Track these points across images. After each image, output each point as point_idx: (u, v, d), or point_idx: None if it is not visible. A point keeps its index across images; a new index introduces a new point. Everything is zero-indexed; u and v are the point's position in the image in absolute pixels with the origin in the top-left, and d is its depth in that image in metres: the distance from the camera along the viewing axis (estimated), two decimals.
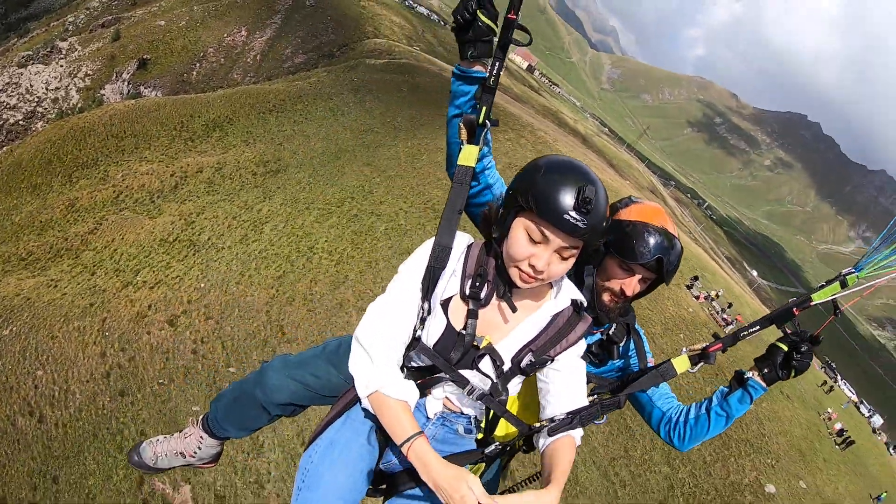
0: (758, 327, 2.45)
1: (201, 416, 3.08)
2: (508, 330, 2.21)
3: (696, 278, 36.58)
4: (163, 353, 18.03)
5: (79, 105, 46.58)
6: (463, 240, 2.23)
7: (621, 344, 2.81)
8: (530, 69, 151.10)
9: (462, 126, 2.28)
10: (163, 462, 3.10)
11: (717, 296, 37.19)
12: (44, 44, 66.63)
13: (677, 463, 21.16)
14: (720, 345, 2.49)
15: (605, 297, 2.64)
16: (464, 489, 1.82)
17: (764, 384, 2.54)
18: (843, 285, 2.44)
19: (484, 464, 2.53)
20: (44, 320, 17.64)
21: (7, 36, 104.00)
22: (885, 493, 30.53)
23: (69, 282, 20.27)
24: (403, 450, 1.97)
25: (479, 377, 2.16)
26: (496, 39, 2.16)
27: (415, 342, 2.21)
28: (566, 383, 2.26)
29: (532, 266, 1.98)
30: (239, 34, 55.50)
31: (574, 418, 2.21)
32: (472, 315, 2.13)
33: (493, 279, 2.16)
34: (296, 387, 2.67)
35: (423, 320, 2.18)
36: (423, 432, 1.99)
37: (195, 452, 3.05)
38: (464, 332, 2.14)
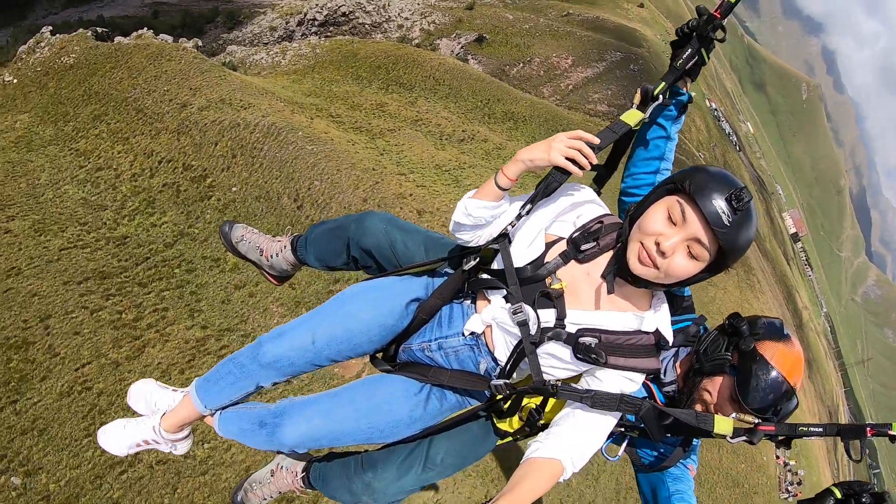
0: (821, 430, 2.12)
1: (296, 234, 3.22)
2: (590, 307, 2.19)
3: (788, 447, 34.69)
4: None
5: (416, 41, 52.40)
6: (600, 206, 2.32)
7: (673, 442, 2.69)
8: (795, 238, 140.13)
9: (638, 92, 2.39)
10: (242, 246, 3.28)
11: (796, 473, 35.49)
12: None
13: None
14: (773, 427, 2.21)
15: (698, 408, 2.51)
16: (563, 135, 2.07)
17: None
18: None
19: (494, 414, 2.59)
20: (336, 155, 21.13)
21: None
22: None
23: (363, 147, 23.98)
24: (500, 181, 2.19)
25: (532, 312, 2.16)
26: (699, 58, 2.33)
27: (503, 238, 2.29)
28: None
29: (657, 244, 1.96)
30: (565, 60, 58.89)
31: (590, 394, 2.14)
32: (563, 256, 2.18)
33: (603, 247, 2.19)
34: (385, 241, 2.72)
35: (520, 216, 2.23)
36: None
37: (271, 256, 3.18)
38: (546, 263, 2.17)
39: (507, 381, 2.30)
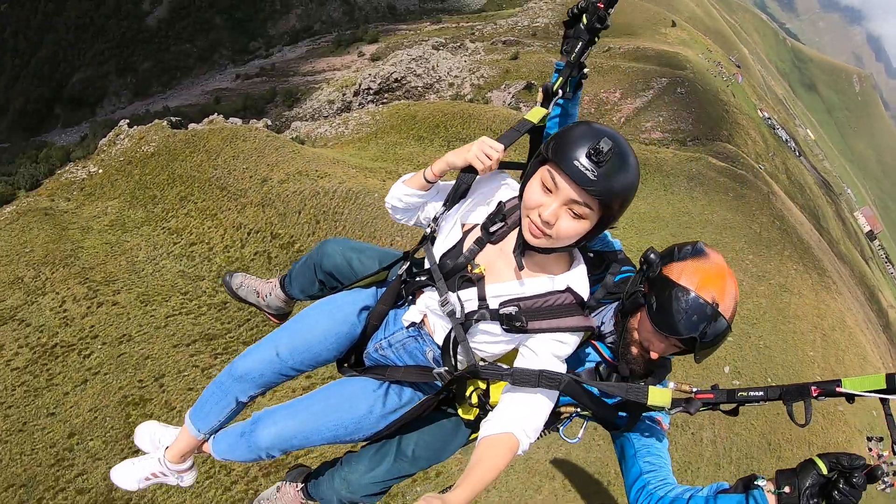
0: (762, 394, 2.07)
1: (283, 274, 3.45)
2: (507, 279, 2.33)
3: (881, 439, 33.06)
4: None
5: (468, 97, 54.36)
6: (513, 190, 2.45)
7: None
8: (871, 236, 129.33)
9: (541, 90, 2.59)
10: (242, 291, 3.56)
11: (891, 464, 33.21)
12: (452, 38, 76.88)
13: None
14: (711, 395, 2.17)
15: (633, 350, 2.45)
16: (477, 140, 2.30)
17: None
18: (893, 386, 1.89)
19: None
20: None
21: (421, 18, 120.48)
22: None
23: None
24: (427, 174, 2.46)
25: (457, 301, 2.33)
26: (591, 46, 2.51)
27: (425, 240, 2.52)
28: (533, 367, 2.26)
29: (539, 216, 2.06)
30: (613, 94, 59.41)
31: (510, 371, 2.24)
32: (477, 242, 2.35)
33: (511, 225, 2.34)
34: (342, 261, 2.95)
35: (436, 219, 2.49)
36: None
37: (266, 296, 3.45)
38: (464, 252, 2.35)
39: (447, 368, 2.47)
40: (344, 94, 58.36)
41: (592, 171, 1.91)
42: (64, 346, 14.70)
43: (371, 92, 56.04)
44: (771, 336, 23.81)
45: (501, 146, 2.30)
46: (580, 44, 2.48)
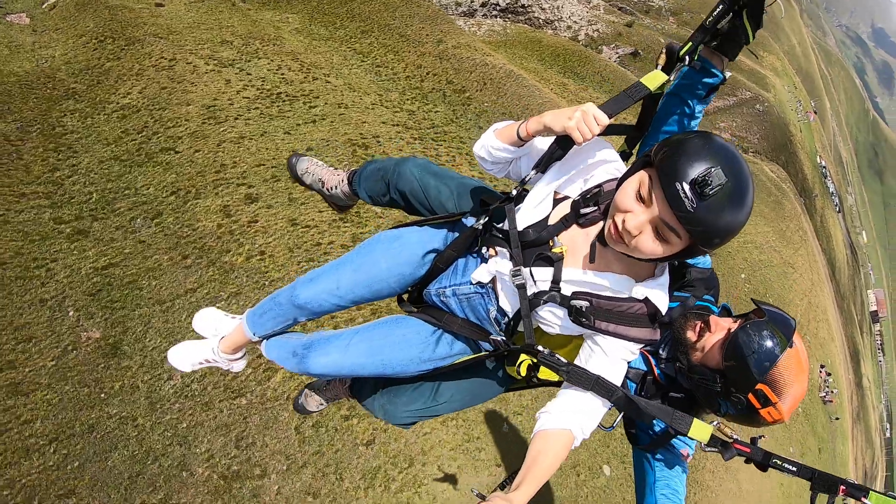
0: (795, 469, 2.03)
1: (353, 169, 3.28)
2: (589, 269, 2.13)
3: (829, 374, 38.82)
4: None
5: (582, 42, 58.03)
6: (614, 169, 2.14)
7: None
8: (874, 317, 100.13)
9: (664, 53, 2.15)
10: (307, 177, 3.48)
11: (832, 392, 39.07)
12: None
13: None
14: (748, 450, 2.10)
15: (689, 334, 2.38)
16: (581, 106, 1.88)
17: None
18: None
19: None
20: (554, 106, 23.77)
21: None
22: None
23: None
24: (521, 131, 2.10)
25: (529, 276, 2.17)
26: (735, 18, 2.01)
27: (508, 200, 2.26)
28: (602, 368, 2.16)
29: (624, 222, 1.85)
30: None
31: (567, 369, 2.16)
32: (564, 220, 2.12)
33: (604, 211, 2.07)
34: (418, 187, 2.79)
35: (524, 182, 2.19)
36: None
37: (331, 188, 3.32)
38: (549, 226, 2.14)
39: (505, 338, 2.41)
40: (472, 1, 62.57)
41: (692, 201, 1.64)
42: (288, 96, 15.51)
43: (497, 7, 59.57)
44: (773, 277, 29.51)
45: (606, 119, 1.92)
46: (720, 7, 2.01)
